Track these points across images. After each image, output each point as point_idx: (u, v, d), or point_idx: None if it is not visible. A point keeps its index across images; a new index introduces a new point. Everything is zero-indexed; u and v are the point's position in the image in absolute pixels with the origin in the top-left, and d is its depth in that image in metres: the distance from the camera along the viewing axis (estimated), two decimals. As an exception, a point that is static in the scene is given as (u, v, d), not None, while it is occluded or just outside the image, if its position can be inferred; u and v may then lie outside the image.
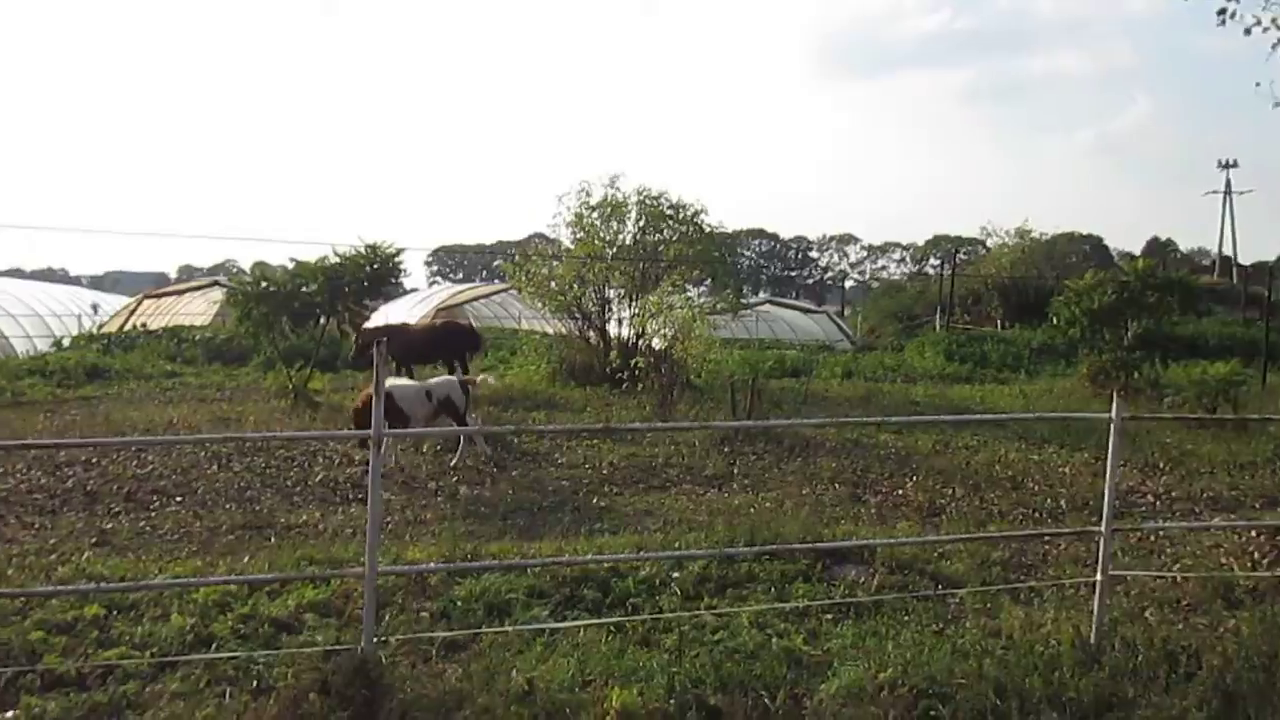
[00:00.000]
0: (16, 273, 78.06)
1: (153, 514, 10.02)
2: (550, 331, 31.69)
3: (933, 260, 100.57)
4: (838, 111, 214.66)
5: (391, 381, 12.41)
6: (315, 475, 11.79)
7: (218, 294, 37.45)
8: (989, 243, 57.02)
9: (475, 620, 6.75)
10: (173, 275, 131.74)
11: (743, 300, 28.00)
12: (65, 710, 5.30)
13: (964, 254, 71.33)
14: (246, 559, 8.21)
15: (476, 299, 38.44)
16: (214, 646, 6.21)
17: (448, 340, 20.13)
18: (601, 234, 22.94)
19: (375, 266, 18.31)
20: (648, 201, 22.99)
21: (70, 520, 9.73)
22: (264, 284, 18.05)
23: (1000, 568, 8.46)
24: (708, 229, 23.67)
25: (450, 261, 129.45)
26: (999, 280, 47.56)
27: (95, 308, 35.58)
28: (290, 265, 18.73)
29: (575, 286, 22.61)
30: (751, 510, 10.30)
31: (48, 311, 32.77)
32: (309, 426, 15.84)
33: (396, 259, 18.87)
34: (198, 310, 38.16)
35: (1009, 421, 15.91)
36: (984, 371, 27.82)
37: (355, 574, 6.49)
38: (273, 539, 9.12)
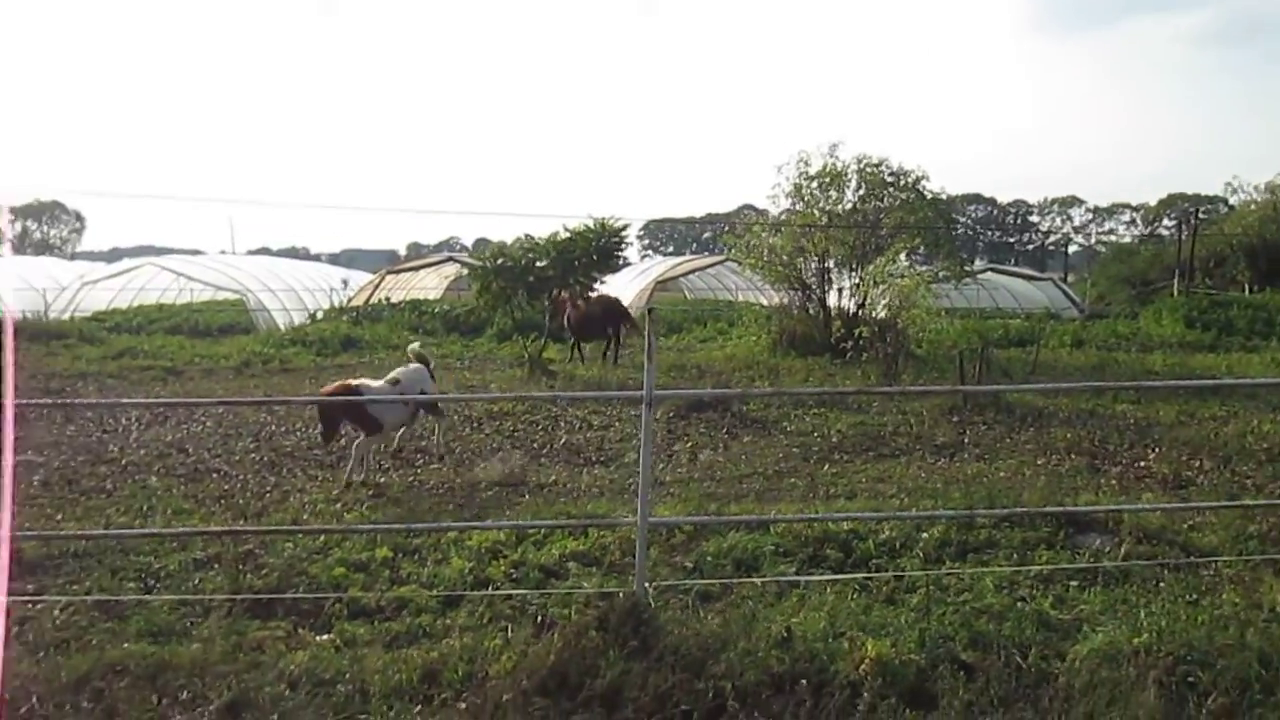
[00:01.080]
0: (264, 251, 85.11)
1: (418, 471, 10.94)
2: (766, 303, 31.92)
3: (1166, 221, 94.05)
4: (1053, 68, 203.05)
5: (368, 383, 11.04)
6: (559, 439, 12.51)
7: (450, 269, 39.69)
8: (1233, 200, 52.83)
9: (725, 573, 7.12)
10: (402, 252, 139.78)
11: (965, 269, 27.25)
12: (372, 635, 6.01)
13: (1203, 213, 66.28)
14: (507, 512, 8.92)
15: (692, 271, 38.99)
16: (490, 587, 6.86)
17: (604, 316, 20.80)
18: (821, 203, 22.90)
19: (603, 241, 19.05)
20: (868, 169, 22.76)
21: (347, 473, 10.77)
22: (501, 259, 19.11)
23: (1258, 540, 8.09)
24: (929, 195, 23.21)
25: (661, 235, 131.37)
26: (1246, 241, 44.00)
27: (345, 283, 38.44)
28: (524, 241, 19.73)
29: (794, 257, 22.69)
30: (985, 479, 10.22)
31: (301, 287, 35.65)
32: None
33: (623, 233, 19.55)
34: (431, 285, 40.55)
35: (1262, 390, 14.93)
36: (1230, 339, 25.97)
37: (627, 523, 6.95)
38: (526, 496, 9.80)
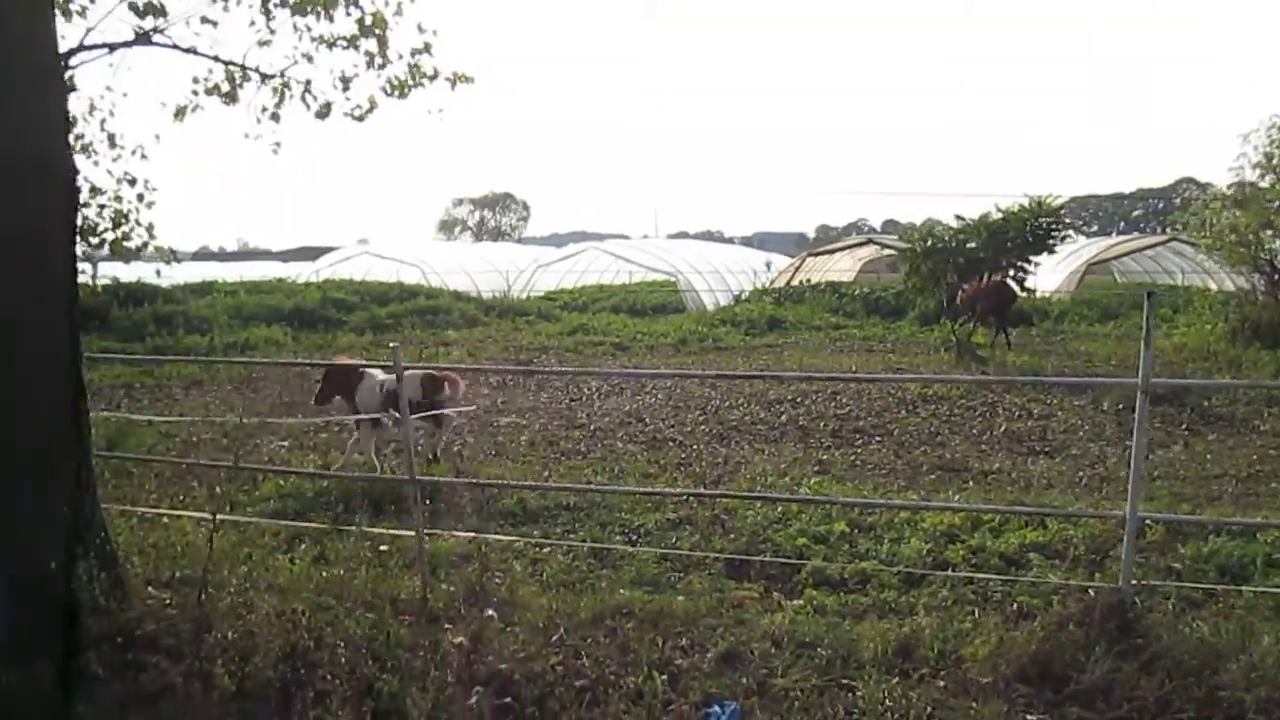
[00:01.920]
0: (683, 234, 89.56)
1: (858, 449, 11.13)
2: (1215, 287, 28.63)
3: None
4: None
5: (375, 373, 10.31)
6: (999, 426, 12.15)
7: (865, 251, 39.58)
8: None
9: (1209, 580, 6.60)
10: (811, 234, 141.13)
11: None
12: (840, 605, 6.27)
13: None
14: (956, 497, 8.85)
15: (1127, 254, 35.81)
16: (950, 570, 6.88)
17: (994, 300, 19.39)
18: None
19: (1039, 221, 18.11)
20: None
21: (790, 449, 11.21)
22: (930, 241, 18.79)
23: None
24: None
25: (1085, 213, 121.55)
26: None
27: (768, 265, 39.67)
28: (954, 223, 19.24)
29: (1261, 236, 20.14)
30: None
31: (725, 269, 37.28)
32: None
33: (1060, 213, 18.47)
34: (845, 267, 40.66)
35: None
36: None
37: (1114, 516, 6.65)
38: (970, 483, 9.65)
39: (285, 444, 11.82)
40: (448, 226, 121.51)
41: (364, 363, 11.39)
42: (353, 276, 33.73)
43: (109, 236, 7.02)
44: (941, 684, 5.04)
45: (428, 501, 8.79)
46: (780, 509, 8.19)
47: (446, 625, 5.56)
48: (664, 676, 4.92)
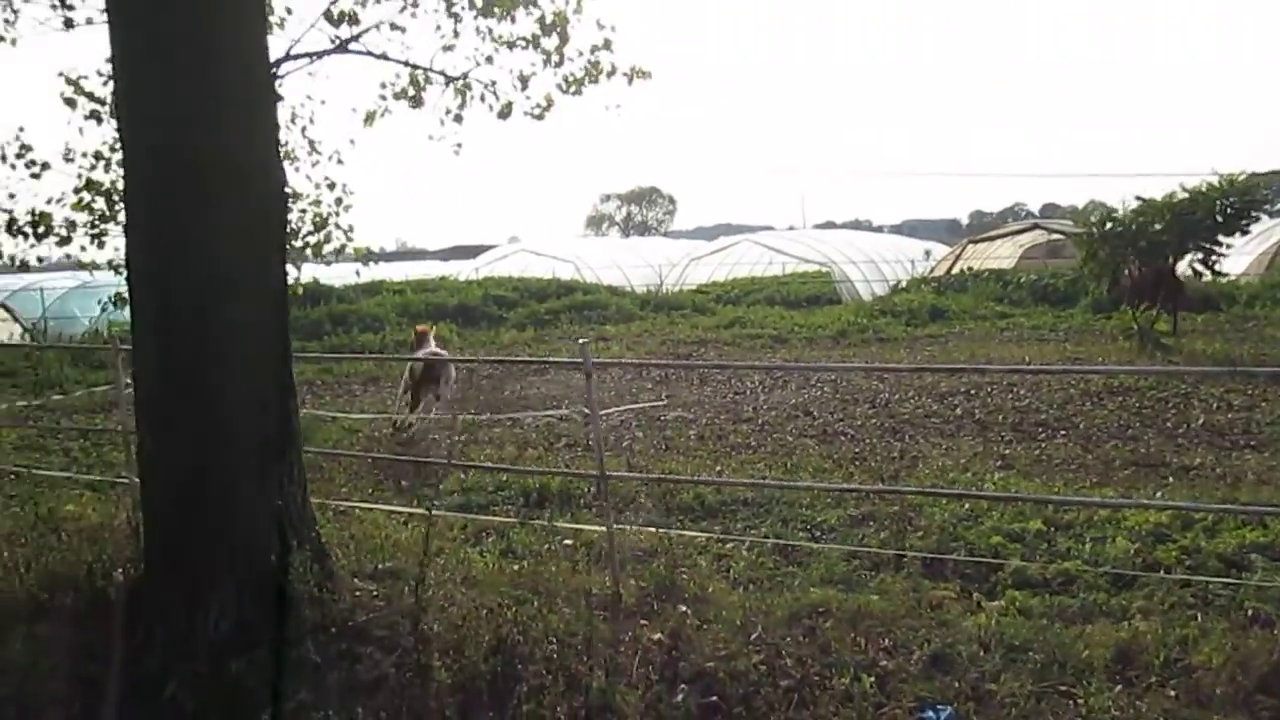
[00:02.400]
0: (829, 224, 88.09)
1: (1042, 444, 10.66)
2: None
3: None
4: None
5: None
6: (1195, 418, 11.44)
7: (1026, 238, 38.03)
8: None
9: None
10: (964, 220, 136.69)
11: None
12: (1045, 607, 5.98)
13: None
14: (1158, 494, 8.36)
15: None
16: (1163, 571, 6.47)
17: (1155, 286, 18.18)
18: None
19: (1231, 200, 16.99)
20: None
21: (969, 443, 10.83)
22: (1109, 224, 17.87)
23: None
24: None
25: (1268, 191, 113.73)
26: None
27: (927, 253, 38.66)
28: (1133, 204, 18.21)
29: None
30: None
31: (880, 258, 36.50)
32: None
33: (1255, 191, 17.27)
34: (1005, 254, 39.15)
35: None
36: None
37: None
38: (1170, 479, 9.10)
39: (461, 438, 12.13)
40: (595, 222, 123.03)
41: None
42: (510, 274, 34.51)
43: (311, 240, 7.33)
44: (1172, 693, 4.74)
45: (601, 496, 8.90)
46: (968, 506, 7.90)
47: (642, 621, 5.56)
48: (871, 678, 4.79)
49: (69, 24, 6.24)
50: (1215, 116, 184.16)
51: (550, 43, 7.59)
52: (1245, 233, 19.48)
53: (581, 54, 7.45)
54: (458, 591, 6.02)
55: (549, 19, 7.39)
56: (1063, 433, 11.09)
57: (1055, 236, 34.43)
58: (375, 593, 5.82)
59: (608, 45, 7.46)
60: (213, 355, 5.25)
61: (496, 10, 7.12)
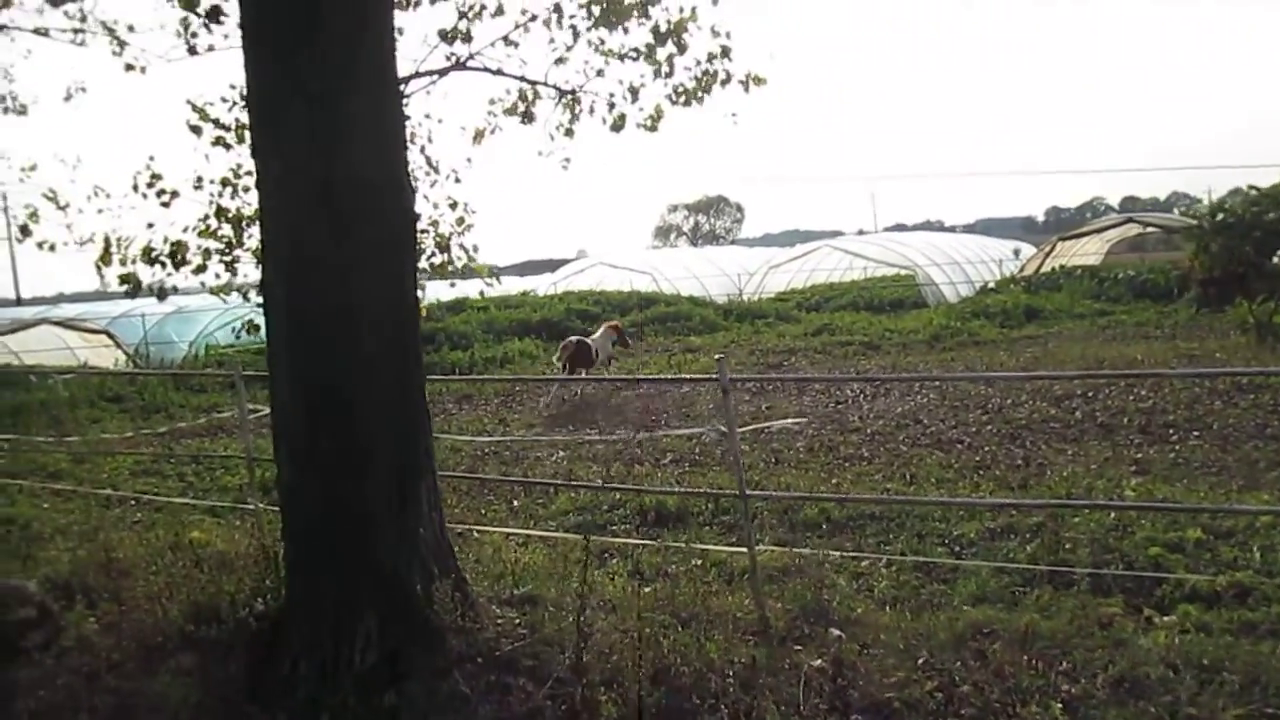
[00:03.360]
0: (900, 227, 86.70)
1: (1175, 446, 10.15)
2: None
3: None
4: None
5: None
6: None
7: (1114, 233, 36.99)
8: None
9: None
10: (1039, 218, 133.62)
11: None
12: (1225, 623, 5.60)
13: None
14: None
15: None
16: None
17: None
18: None
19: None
20: None
21: (1096, 448, 10.37)
22: (1220, 215, 17.17)
23: None
24: None
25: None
26: None
27: (1016, 252, 37.81)
28: (1250, 193, 17.47)
29: None
30: None
31: (964, 259, 35.71)
32: (1272, 365, 14.74)
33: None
34: (1092, 250, 38.06)
35: None
36: None
37: None
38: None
39: (564, 453, 12.01)
40: (663, 233, 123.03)
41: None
42: (591, 287, 34.50)
43: (435, 261, 7.26)
44: (1393, 719, 4.36)
45: (724, 514, 8.68)
46: (1114, 515, 7.50)
47: (796, 647, 5.32)
48: (1059, 705, 4.49)
49: (193, 50, 6.24)
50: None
51: (663, 52, 7.43)
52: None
53: (700, 63, 7.27)
54: (597, 617, 5.85)
55: (663, 28, 7.23)
56: (1195, 434, 10.55)
57: (1151, 230, 33.38)
58: (517, 620, 5.66)
59: (725, 53, 7.27)
60: (351, 383, 5.15)
61: (612, 18, 6.98)
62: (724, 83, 7.51)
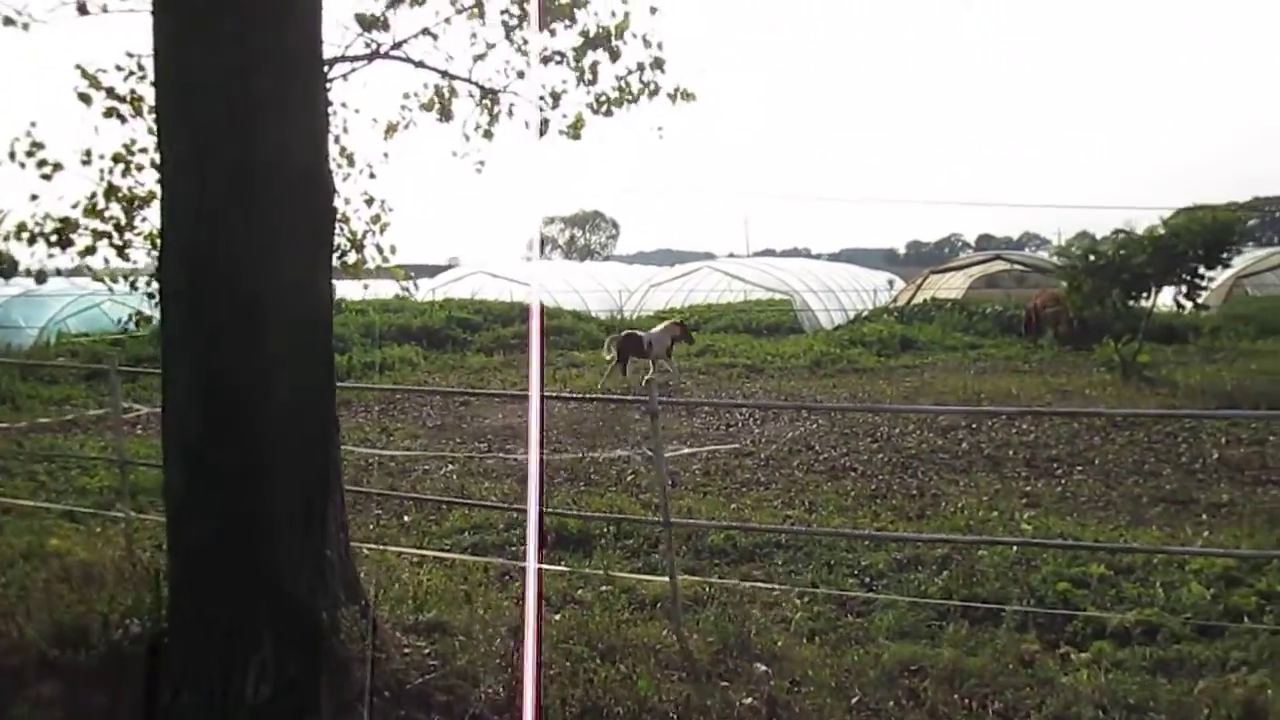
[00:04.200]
0: (769, 252, 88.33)
1: (1062, 481, 10.40)
2: None
3: None
4: None
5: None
6: (1210, 453, 11.29)
7: (977, 270, 38.50)
8: None
9: None
10: (900, 250, 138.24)
11: None
12: (1140, 661, 5.62)
13: None
14: (1206, 534, 8.13)
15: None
16: (1245, 618, 6.18)
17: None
18: None
19: (1213, 234, 17.12)
20: None
21: (985, 479, 10.53)
22: (1091, 257, 17.92)
23: None
24: None
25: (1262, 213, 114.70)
26: None
27: (890, 283, 38.83)
28: (1116, 237, 18.31)
29: None
30: None
31: (839, 288, 36.50)
32: (1143, 401, 15.45)
33: (1236, 226, 17.46)
34: (955, 285, 39.47)
35: None
36: None
37: None
38: (1204, 516, 8.88)
39: (454, 469, 11.56)
40: (539, 245, 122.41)
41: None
42: (470, 295, 33.85)
43: (349, 259, 6.78)
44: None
45: (627, 539, 8.42)
46: (1016, 549, 7.56)
47: (724, 683, 5.09)
48: (998, 748, 4.38)
49: (83, 10, 5.65)
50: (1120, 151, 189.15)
51: (589, 59, 7.15)
52: (1227, 265, 19.73)
53: (631, 71, 7.02)
54: (507, 646, 5.51)
55: (593, 32, 6.96)
56: (1079, 469, 10.84)
57: (1007, 268, 34.85)
58: (427, 650, 5.27)
59: (659, 64, 7.04)
60: (258, 384, 4.69)
61: (537, 22, 6.68)
62: (652, 94, 7.29)
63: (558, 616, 6.22)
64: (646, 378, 18.72)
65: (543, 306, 29.71)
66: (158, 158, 4.82)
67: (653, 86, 7.28)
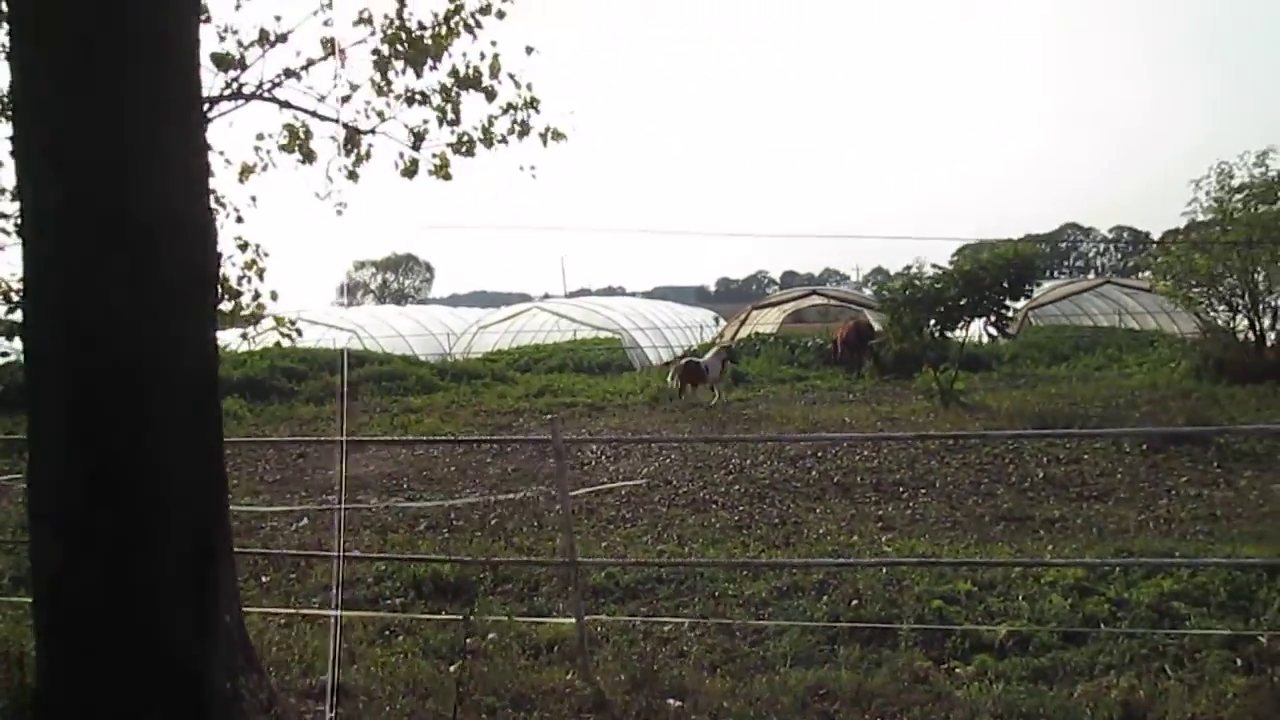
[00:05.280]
0: (584, 292, 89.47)
1: (909, 504, 10.90)
2: (1157, 327, 29.79)
3: None
4: None
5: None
6: (1035, 472, 12.09)
7: (791, 305, 40.17)
8: None
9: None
10: (712, 288, 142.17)
11: None
12: (1019, 670, 5.95)
13: None
14: (1050, 548, 8.69)
15: (1063, 298, 36.81)
16: (1101, 625, 6.64)
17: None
18: (1247, 219, 20.93)
19: (1016, 269, 18.44)
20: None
21: (839, 506, 10.93)
22: (909, 290, 18.96)
23: None
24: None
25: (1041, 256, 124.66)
26: None
27: (716, 319, 39.83)
28: (931, 271, 19.46)
29: (1220, 277, 21.06)
30: None
31: (665, 325, 37.29)
32: (966, 425, 16.41)
33: (1036, 260, 18.90)
34: (770, 320, 41.00)
35: None
36: None
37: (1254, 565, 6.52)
38: (1042, 531, 9.49)
39: (304, 522, 11.08)
40: (349, 290, 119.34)
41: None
42: (287, 344, 32.53)
43: (224, 306, 6.43)
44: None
45: (505, 583, 8.28)
46: (885, 570, 7.87)
47: (639, 722, 5.08)
48: (918, 765, 4.54)
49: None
50: (942, 188, 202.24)
51: (450, 100, 7.10)
52: (1028, 296, 21.27)
53: (506, 111, 7.02)
54: (412, 704, 5.34)
55: (462, 71, 6.93)
56: (923, 491, 11.40)
57: (832, 302, 36.49)
58: (330, 717, 5.02)
59: (533, 104, 7.06)
60: (143, 446, 4.39)
61: (398, 64, 6.60)
62: (522, 134, 7.30)
63: (452, 668, 6.04)
64: (712, 401, 21.00)
65: (366, 351, 28.95)
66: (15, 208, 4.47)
67: (520, 127, 7.30)
